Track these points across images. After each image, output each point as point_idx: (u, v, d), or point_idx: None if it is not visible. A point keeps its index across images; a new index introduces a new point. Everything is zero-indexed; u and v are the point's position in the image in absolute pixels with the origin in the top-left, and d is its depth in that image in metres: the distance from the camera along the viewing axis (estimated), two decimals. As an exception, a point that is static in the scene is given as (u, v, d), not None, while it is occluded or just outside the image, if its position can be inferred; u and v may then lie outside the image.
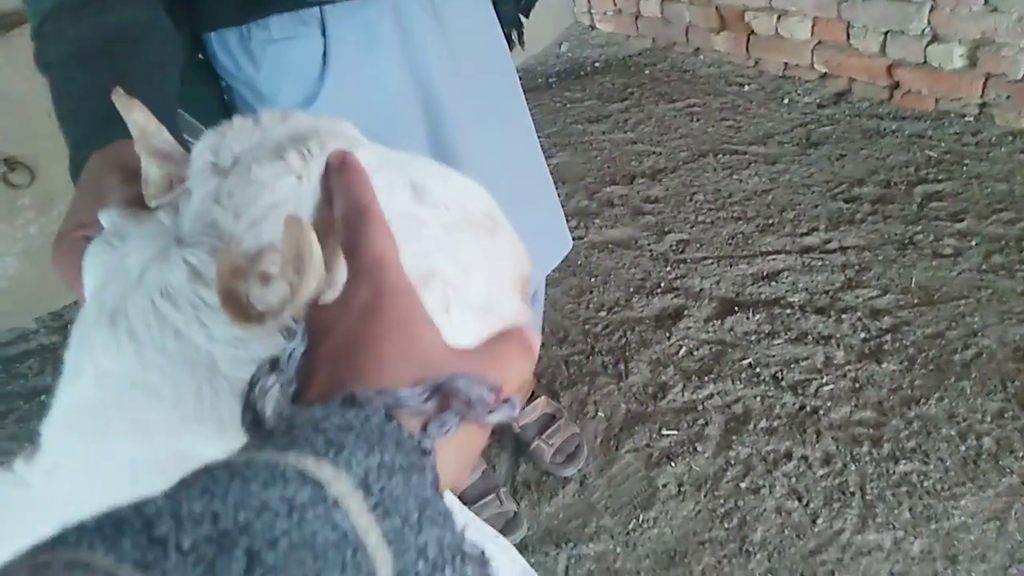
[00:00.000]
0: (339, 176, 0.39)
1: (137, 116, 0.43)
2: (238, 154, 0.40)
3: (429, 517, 0.25)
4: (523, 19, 1.22)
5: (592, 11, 3.65)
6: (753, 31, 2.96)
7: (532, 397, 1.66)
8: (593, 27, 3.69)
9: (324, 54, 0.89)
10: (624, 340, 1.89)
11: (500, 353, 0.33)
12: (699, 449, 1.59)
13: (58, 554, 0.19)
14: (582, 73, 3.33)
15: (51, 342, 2.37)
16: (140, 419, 0.39)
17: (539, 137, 1.23)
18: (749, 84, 2.97)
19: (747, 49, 3.03)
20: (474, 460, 0.32)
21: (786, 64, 2.92)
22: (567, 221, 1.34)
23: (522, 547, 1.49)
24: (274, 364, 0.31)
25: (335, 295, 0.34)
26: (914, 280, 1.90)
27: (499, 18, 1.11)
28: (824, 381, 1.68)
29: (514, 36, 1.22)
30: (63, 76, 0.60)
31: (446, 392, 0.28)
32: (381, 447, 0.25)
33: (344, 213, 0.37)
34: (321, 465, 0.23)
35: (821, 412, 1.61)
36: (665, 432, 1.65)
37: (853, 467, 1.50)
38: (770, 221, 2.19)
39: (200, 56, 0.91)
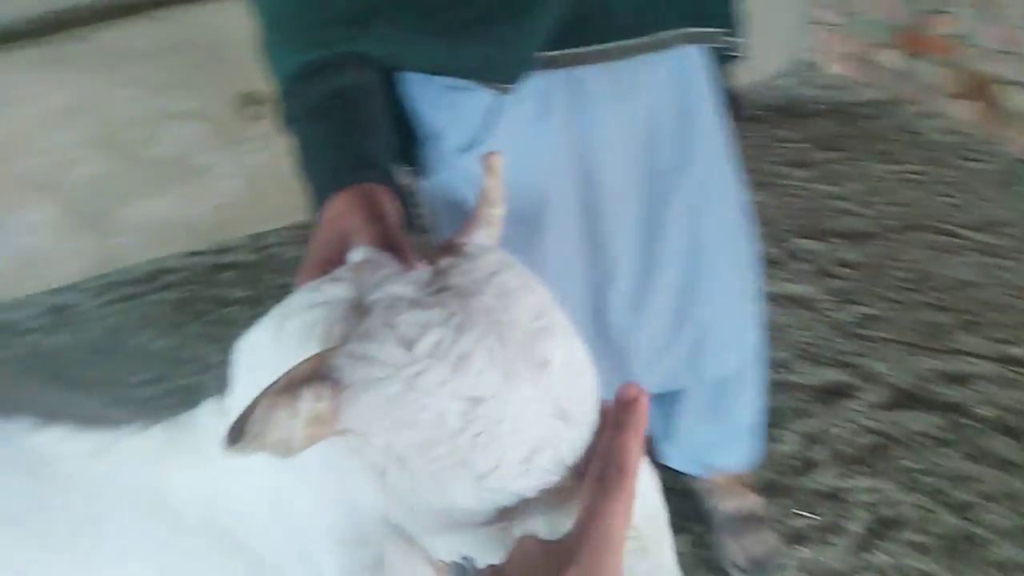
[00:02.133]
0: (622, 413, 0.38)
1: (491, 182, 0.46)
2: (454, 284, 0.39)
3: None
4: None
5: (821, 49, 3.46)
6: (997, 104, 2.69)
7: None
8: (819, 66, 3.51)
9: (494, 110, 0.91)
10: (778, 404, 1.81)
11: None
12: (834, 542, 1.50)
13: None
14: (798, 113, 3.18)
15: (248, 260, 2.62)
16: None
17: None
18: (981, 161, 2.71)
19: (987, 122, 2.76)
20: None
21: (1031, 148, 2.64)
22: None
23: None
24: None
25: None
26: None
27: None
28: (995, 511, 1.52)
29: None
30: (306, 129, 0.72)
31: None
32: None
33: (605, 459, 0.36)
34: None
35: (983, 544, 1.47)
36: (802, 512, 1.57)
37: (1007, 615, 1.36)
38: (973, 319, 2.00)
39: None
